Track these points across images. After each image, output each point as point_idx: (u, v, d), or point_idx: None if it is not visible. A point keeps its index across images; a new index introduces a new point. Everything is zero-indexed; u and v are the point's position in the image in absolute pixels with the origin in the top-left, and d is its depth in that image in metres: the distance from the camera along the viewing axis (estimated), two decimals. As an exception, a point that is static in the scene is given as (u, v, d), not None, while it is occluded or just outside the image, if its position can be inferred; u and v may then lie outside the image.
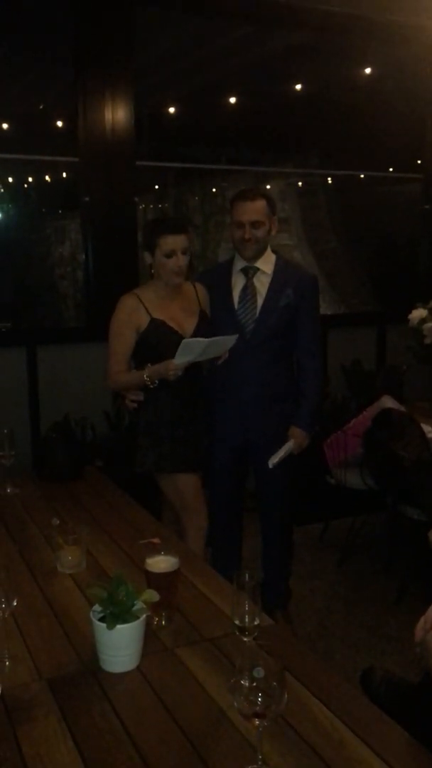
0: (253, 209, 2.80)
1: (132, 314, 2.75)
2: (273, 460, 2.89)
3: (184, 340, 2.57)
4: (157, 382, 2.69)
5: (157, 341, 2.73)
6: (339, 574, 3.73)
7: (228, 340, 2.66)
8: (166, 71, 5.46)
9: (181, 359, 2.58)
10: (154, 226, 2.78)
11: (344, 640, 3.11)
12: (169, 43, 4.96)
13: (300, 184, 7.77)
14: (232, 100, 5.95)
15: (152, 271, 2.78)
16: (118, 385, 2.86)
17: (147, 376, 2.67)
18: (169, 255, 2.68)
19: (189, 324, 2.78)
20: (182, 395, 2.77)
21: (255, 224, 2.80)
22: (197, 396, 2.84)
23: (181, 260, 2.69)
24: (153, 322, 2.73)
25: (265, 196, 2.87)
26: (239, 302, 2.90)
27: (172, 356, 2.60)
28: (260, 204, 2.81)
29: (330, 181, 7.73)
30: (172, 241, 2.67)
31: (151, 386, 2.70)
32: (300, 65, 5.51)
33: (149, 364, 2.68)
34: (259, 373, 2.88)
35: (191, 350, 2.57)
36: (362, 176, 6.54)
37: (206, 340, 2.57)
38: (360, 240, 7.63)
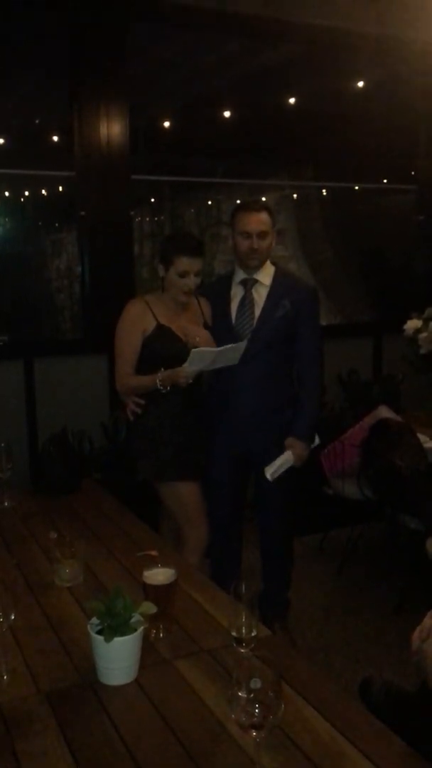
0: (259, 220, 2.84)
1: (139, 317, 2.78)
2: (270, 471, 2.89)
3: (194, 350, 2.61)
4: (168, 387, 2.71)
5: (161, 347, 2.75)
6: (338, 584, 3.72)
7: (237, 348, 2.71)
8: (161, 85, 5.50)
9: (192, 367, 2.63)
10: (173, 242, 2.81)
11: (343, 650, 3.10)
12: (163, 57, 5.00)
13: (295, 195, 7.81)
14: (227, 113, 5.99)
15: (163, 283, 2.81)
16: (128, 387, 2.86)
17: (160, 380, 2.69)
18: (182, 275, 2.72)
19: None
20: (183, 402, 2.79)
21: (261, 235, 2.84)
22: (198, 403, 2.85)
23: (192, 282, 2.74)
24: (159, 326, 2.76)
25: (268, 208, 2.92)
26: (237, 313, 2.92)
27: (177, 364, 2.65)
28: (265, 215, 2.86)
29: (325, 193, 7.77)
30: (188, 263, 2.71)
31: (163, 390, 2.72)
32: (293, 78, 5.55)
33: (162, 369, 2.70)
34: (256, 383, 2.90)
35: (201, 359, 2.62)
36: (356, 188, 6.58)
37: (216, 349, 2.64)
38: (355, 251, 7.67)
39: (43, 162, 5.30)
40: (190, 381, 2.67)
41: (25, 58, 4.56)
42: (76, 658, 1.69)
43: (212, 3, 3.99)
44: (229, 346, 2.67)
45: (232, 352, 2.70)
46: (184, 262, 2.71)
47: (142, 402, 2.81)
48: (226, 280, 3.01)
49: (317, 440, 3.04)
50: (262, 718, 1.22)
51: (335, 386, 4.52)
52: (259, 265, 2.91)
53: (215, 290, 3.03)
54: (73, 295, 7.49)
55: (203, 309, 2.92)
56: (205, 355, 2.61)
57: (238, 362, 2.79)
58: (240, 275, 2.95)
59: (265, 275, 2.93)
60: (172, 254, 2.73)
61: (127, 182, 3.97)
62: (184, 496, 2.82)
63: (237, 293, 2.95)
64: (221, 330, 2.89)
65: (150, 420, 2.81)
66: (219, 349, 2.64)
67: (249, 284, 2.93)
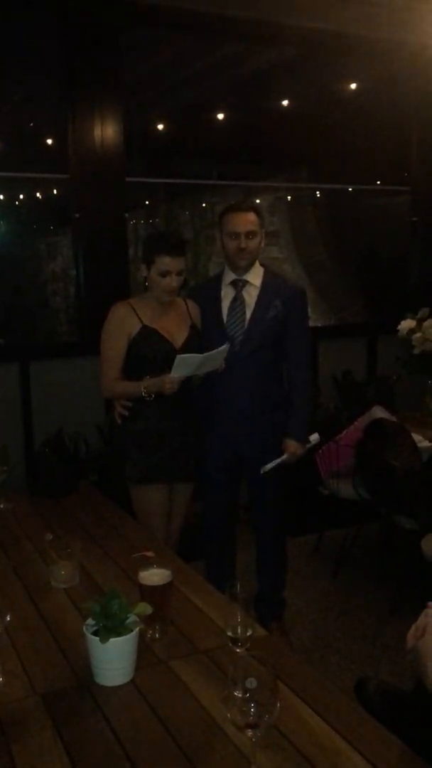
0: (247, 220, 2.85)
1: (123, 320, 2.77)
2: (265, 468, 2.89)
3: (178, 356, 2.59)
4: (153, 395, 2.71)
5: (148, 350, 2.74)
6: (333, 585, 3.73)
7: (221, 353, 2.69)
8: (155, 88, 5.52)
9: (177, 373, 2.61)
10: (154, 242, 2.77)
11: (339, 650, 3.11)
12: (158, 61, 5.02)
13: (289, 197, 7.84)
14: (221, 116, 6.01)
15: (146, 283, 2.81)
16: (113, 393, 2.86)
17: (144, 388, 2.69)
18: (164, 275, 2.71)
19: (180, 336, 2.80)
20: (171, 406, 2.78)
21: (250, 234, 2.85)
22: (187, 406, 2.85)
23: (174, 281, 2.72)
24: (144, 328, 2.75)
25: (255, 208, 2.92)
26: (228, 315, 2.93)
27: (164, 365, 2.63)
28: (252, 215, 2.87)
29: (319, 195, 7.80)
30: (169, 262, 2.69)
31: (148, 398, 2.72)
32: (287, 81, 5.58)
33: (148, 376, 2.69)
34: (248, 384, 2.90)
35: (186, 365, 2.60)
36: (350, 189, 6.60)
37: (201, 355, 2.62)
38: (349, 252, 7.69)
39: (37, 164, 5.31)
40: (175, 389, 2.65)
41: (20, 61, 4.57)
42: (72, 659, 1.69)
43: (207, 6, 4.01)
44: (213, 351, 2.66)
45: (216, 357, 2.68)
46: (165, 262, 2.69)
47: (130, 405, 2.81)
48: (216, 282, 3.02)
49: (317, 437, 3.01)
50: (258, 717, 1.22)
51: (330, 387, 4.53)
52: (249, 266, 2.91)
53: (204, 292, 3.03)
54: (68, 297, 7.50)
55: (190, 310, 2.91)
56: (189, 361, 2.60)
57: (230, 363, 2.79)
58: (230, 276, 2.96)
59: (255, 276, 2.94)
60: (153, 254, 2.71)
61: (122, 185, 3.98)
62: (151, 501, 2.82)
63: (227, 294, 2.95)
64: (213, 331, 2.90)
65: (138, 423, 2.81)
66: (203, 355, 2.62)
67: (239, 285, 2.93)
